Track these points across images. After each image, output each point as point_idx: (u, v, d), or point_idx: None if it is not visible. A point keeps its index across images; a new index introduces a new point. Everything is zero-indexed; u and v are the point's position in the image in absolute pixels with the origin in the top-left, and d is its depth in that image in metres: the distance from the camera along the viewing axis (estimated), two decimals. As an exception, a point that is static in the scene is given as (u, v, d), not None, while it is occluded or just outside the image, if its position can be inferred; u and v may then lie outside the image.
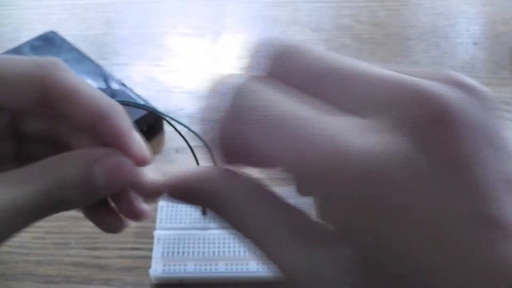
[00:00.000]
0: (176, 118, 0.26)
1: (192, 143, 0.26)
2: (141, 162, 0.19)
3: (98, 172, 0.18)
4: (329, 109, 0.14)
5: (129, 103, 0.27)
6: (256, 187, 0.15)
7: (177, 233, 0.28)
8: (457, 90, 0.14)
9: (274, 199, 0.15)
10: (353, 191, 0.12)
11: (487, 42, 0.46)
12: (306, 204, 0.13)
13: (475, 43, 0.46)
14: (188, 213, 0.30)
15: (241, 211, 0.15)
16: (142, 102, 0.36)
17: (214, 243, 0.28)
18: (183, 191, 0.17)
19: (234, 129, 0.14)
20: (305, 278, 0.13)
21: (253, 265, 0.27)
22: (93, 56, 0.43)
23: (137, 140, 0.20)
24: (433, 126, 0.13)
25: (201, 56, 0.45)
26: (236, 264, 0.27)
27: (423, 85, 0.13)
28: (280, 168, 0.14)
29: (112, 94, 0.38)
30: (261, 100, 0.14)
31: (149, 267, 0.28)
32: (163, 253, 0.27)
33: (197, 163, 0.27)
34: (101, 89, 0.38)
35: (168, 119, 0.25)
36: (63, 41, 0.43)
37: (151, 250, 0.28)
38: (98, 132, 0.19)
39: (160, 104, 0.40)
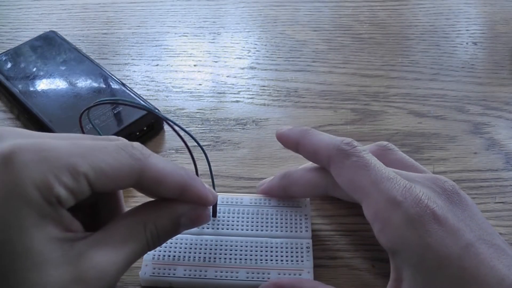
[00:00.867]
0: (174, 119, 0.26)
1: (190, 144, 0.26)
2: (211, 204, 0.24)
3: (183, 221, 0.23)
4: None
5: (129, 103, 0.27)
6: None
7: None
8: (439, 192, 0.25)
9: None
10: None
11: (487, 42, 0.46)
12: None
13: (475, 43, 0.46)
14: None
15: None
16: (142, 102, 0.36)
17: (205, 248, 0.28)
18: None
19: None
20: None
21: (243, 273, 0.27)
22: (93, 56, 0.43)
23: (207, 190, 0.24)
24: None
25: (201, 56, 0.45)
26: (226, 271, 0.27)
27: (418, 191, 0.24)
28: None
29: (112, 94, 0.38)
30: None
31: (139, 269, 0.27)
32: (153, 256, 0.27)
33: (194, 164, 0.27)
34: (101, 89, 0.38)
35: (166, 119, 0.25)
36: (63, 41, 0.43)
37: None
38: (181, 198, 0.23)
39: (160, 104, 0.40)
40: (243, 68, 0.43)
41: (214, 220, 0.29)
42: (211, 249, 0.28)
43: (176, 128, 0.25)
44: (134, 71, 0.43)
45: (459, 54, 0.45)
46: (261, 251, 0.28)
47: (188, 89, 0.41)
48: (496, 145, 0.36)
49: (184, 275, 0.27)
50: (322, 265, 0.29)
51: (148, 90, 0.41)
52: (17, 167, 0.18)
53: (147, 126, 0.36)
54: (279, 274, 0.27)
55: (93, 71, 0.40)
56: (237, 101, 0.40)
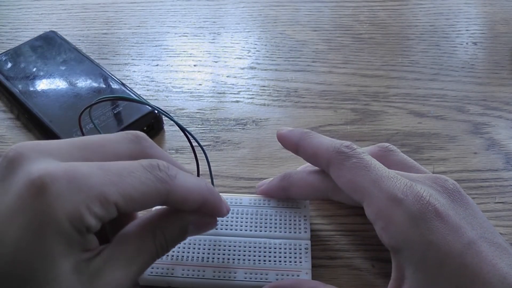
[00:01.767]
0: (175, 118, 0.26)
1: (193, 143, 0.26)
2: (223, 216, 0.26)
3: (191, 229, 0.24)
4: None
5: (133, 100, 0.27)
6: None
7: None
8: (440, 191, 0.25)
9: None
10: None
11: (487, 42, 0.46)
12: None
13: (475, 43, 0.46)
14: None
15: None
16: (143, 99, 0.36)
17: (204, 249, 0.28)
18: None
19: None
20: None
21: (241, 274, 0.27)
22: (93, 56, 0.43)
23: (223, 204, 0.25)
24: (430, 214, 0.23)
25: (201, 56, 0.45)
26: (224, 272, 0.27)
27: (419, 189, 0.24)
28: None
29: (112, 94, 0.38)
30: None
31: None
32: None
33: (197, 162, 0.27)
34: (101, 89, 0.38)
35: (169, 117, 0.25)
36: (63, 41, 0.43)
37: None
38: (198, 210, 0.24)
39: (160, 104, 0.40)
40: (243, 68, 0.43)
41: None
42: (209, 249, 0.28)
43: (176, 124, 0.25)
44: (134, 71, 0.43)
45: (459, 54, 0.45)
46: (260, 252, 0.28)
47: (188, 89, 0.41)
48: (496, 145, 0.36)
49: (183, 275, 0.27)
50: (322, 265, 0.29)
51: (148, 90, 0.41)
52: (50, 198, 0.18)
53: (147, 126, 0.36)
54: (277, 275, 0.27)
55: (93, 71, 0.40)
56: (237, 101, 0.40)
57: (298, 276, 0.27)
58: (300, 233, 0.29)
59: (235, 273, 0.27)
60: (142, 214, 0.24)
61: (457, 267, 0.22)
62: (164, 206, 0.24)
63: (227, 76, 0.42)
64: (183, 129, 0.25)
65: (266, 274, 0.27)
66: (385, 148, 0.29)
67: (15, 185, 0.19)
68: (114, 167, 0.20)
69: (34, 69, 0.40)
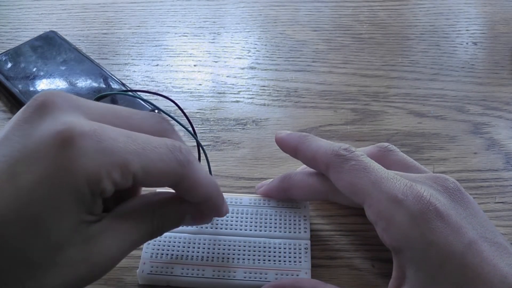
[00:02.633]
0: (176, 118, 0.26)
1: (189, 144, 0.26)
2: (220, 216, 0.27)
3: (187, 218, 0.24)
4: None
5: (132, 95, 0.27)
6: None
7: (168, 236, 0.28)
8: (440, 190, 0.24)
9: None
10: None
11: (487, 42, 0.46)
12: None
13: (475, 43, 0.46)
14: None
15: None
16: (142, 102, 0.36)
17: (204, 248, 0.28)
18: None
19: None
20: None
21: (240, 273, 0.27)
22: (93, 56, 0.43)
23: (224, 205, 0.26)
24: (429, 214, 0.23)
25: (201, 56, 0.45)
26: (224, 271, 0.27)
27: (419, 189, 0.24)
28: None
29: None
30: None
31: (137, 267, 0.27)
32: (152, 255, 0.27)
33: (200, 159, 0.27)
34: (101, 89, 0.38)
35: (171, 116, 0.25)
36: (63, 41, 0.43)
37: (140, 249, 0.28)
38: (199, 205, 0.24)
39: (160, 104, 0.39)
40: (243, 68, 0.43)
41: (213, 220, 0.29)
42: (209, 249, 0.28)
43: (178, 120, 0.25)
44: (134, 71, 0.43)
45: (459, 54, 0.45)
46: (259, 251, 0.28)
47: (188, 89, 0.41)
48: (496, 145, 0.36)
49: (182, 273, 0.27)
50: (322, 265, 0.29)
51: (148, 90, 0.41)
52: (75, 153, 0.18)
53: (147, 126, 0.36)
54: (276, 274, 0.27)
55: (93, 71, 0.40)
56: (237, 101, 0.40)
57: (297, 276, 0.27)
58: (300, 233, 0.29)
59: (234, 272, 0.27)
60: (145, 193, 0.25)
61: (458, 267, 0.22)
62: (169, 190, 0.24)
63: (227, 76, 0.42)
64: (192, 131, 0.25)
65: (266, 274, 0.27)
66: (384, 148, 0.29)
67: (41, 131, 0.19)
68: (140, 138, 0.21)
69: (34, 69, 0.40)
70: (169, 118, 0.25)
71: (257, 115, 0.39)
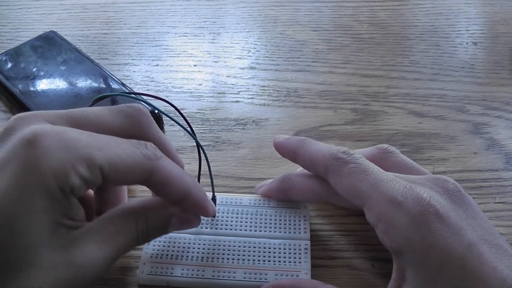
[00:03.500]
0: (174, 118, 0.26)
1: (189, 144, 0.26)
2: (208, 216, 0.27)
3: (173, 221, 0.25)
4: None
5: (132, 96, 0.27)
6: None
7: (168, 236, 0.28)
8: (440, 192, 0.24)
9: None
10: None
11: (487, 42, 0.46)
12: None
13: (475, 43, 0.46)
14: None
15: None
16: (142, 102, 0.36)
17: (204, 248, 0.28)
18: None
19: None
20: None
21: (240, 274, 0.27)
22: (93, 56, 0.43)
23: (209, 203, 0.25)
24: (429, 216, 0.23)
25: (201, 56, 0.45)
26: (224, 271, 0.27)
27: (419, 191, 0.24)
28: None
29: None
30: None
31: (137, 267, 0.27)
32: (151, 255, 0.27)
33: (200, 161, 0.27)
34: (101, 89, 0.38)
35: (169, 117, 0.25)
36: (63, 41, 0.43)
37: (140, 250, 0.28)
38: (182, 203, 0.24)
39: (160, 104, 0.40)
40: (243, 68, 0.43)
41: (213, 220, 0.29)
42: (209, 249, 0.28)
43: (178, 127, 0.25)
44: (134, 71, 0.43)
45: (459, 54, 0.45)
46: (259, 252, 0.28)
47: (188, 89, 0.41)
48: (496, 145, 0.36)
49: (182, 274, 0.27)
50: (322, 265, 0.29)
51: (148, 90, 0.41)
52: (39, 151, 0.19)
53: (147, 126, 0.36)
54: (276, 275, 0.27)
55: (93, 71, 0.40)
56: (237, 101, 0.40)
57: (297, 276, 0.27)
58: (299, 233, 0.29)
59: (234, 273, 0.27)
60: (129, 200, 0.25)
61: (458, 269, 0.22)
62: (151, 196, 0.24)
63: (227, 76, 0.42)
64: (190, 131, 0.25)
65: (266, 274, 0.27)
66: (384, 150, 0.29)
67: (10, 142, 0.20)
68: (103, 137, 0.22)
69: (34, 69, 0.40)
70: (169, 119, 0.25)
71: (257, 115, 0.39)
